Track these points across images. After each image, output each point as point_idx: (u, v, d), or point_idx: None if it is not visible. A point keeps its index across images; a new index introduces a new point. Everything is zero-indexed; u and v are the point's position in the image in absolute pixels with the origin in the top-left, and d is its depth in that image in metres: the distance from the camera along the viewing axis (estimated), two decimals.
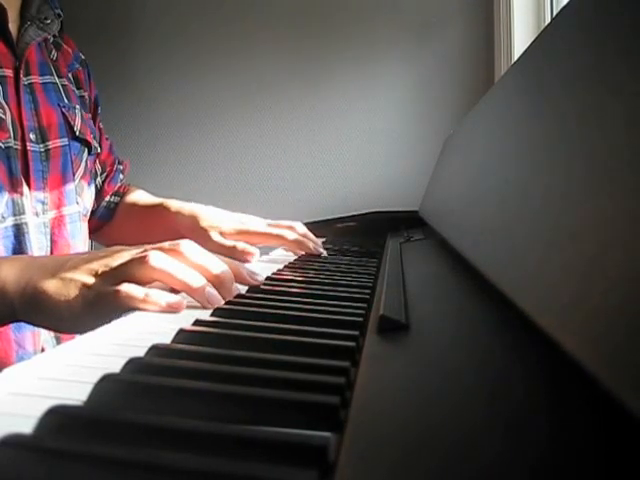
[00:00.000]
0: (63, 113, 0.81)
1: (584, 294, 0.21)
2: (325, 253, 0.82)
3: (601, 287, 0.19)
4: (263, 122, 1.39)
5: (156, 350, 0.32)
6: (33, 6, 0.79)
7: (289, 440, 0.21)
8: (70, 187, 0.81)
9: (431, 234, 0.83)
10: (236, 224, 0.82)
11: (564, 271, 0.23)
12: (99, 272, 0.48)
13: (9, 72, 0.73)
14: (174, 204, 0.88)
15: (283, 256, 0.84)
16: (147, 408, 0.24)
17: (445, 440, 0.20)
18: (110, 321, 0.41)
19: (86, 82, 0.92)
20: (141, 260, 0.47)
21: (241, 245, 0.76)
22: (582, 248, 0.22)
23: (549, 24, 0.40)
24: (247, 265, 0.60)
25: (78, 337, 0.37)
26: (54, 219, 0.78)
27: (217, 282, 0.49)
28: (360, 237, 1.11)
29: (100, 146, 0.92)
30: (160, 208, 0.89)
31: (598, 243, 0.21)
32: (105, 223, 0.95)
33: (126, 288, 0.45)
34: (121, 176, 0.97)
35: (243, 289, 0.53)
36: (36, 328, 0.73)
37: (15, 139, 0.72)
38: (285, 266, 0.70)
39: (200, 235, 0.78)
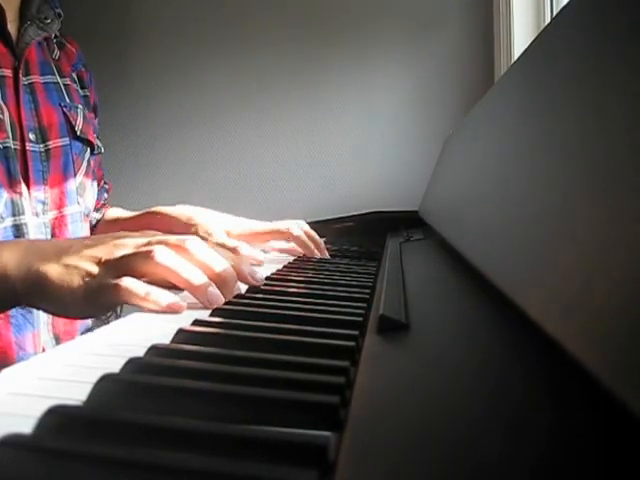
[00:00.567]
0: (64, 113, 0.81)
1: (584, 294, 0.21)
2: (327, 255, 0.82)
3: (601, 287, 0.19)
4: (262, 123, 1.39)
5: (156, 350, 0.32)
6: (33, 6, 0.79)
7: (289, 440, 0.21)
8: (71, 187, 0.81)
9: (431, 234, 0.83)
10: (242, 225, 0.82)
11: (564, 271, 0.23)
12: (102, 260, 0.47)
13: (8, 72, 0.73)
14: (168, 208, 0.85)
15: (283, 256, 0.84)
16: (147, 408, 0.24)
17: (445, 440, 0.20)
18: (109, 311, 0.41)
19: (89, 85, 0.92)
20: (146, 254, 0.47)
21: (246, 250, 0.75)
22: (582, 248, 0.22)
23: (549, 24, 0.40)
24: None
25: (78, 337, 0.37)
26: (55, 219, 0.78)
27: (220, 281, 0.49)
28: (360, 237, 1.11)
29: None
30: (150, 215, 0.87)
31: (598, 243, 0.21)
32: None
33: (127, 283, 0.44)
34: (106, 195, 0.97)
35: (243, 289, 0.53)
36: (36, 329, 0.73)
37: (14, 139, 0.71)
38: (285, 266, 0.70)
39: (203, 233, 0.78)
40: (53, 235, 0.77)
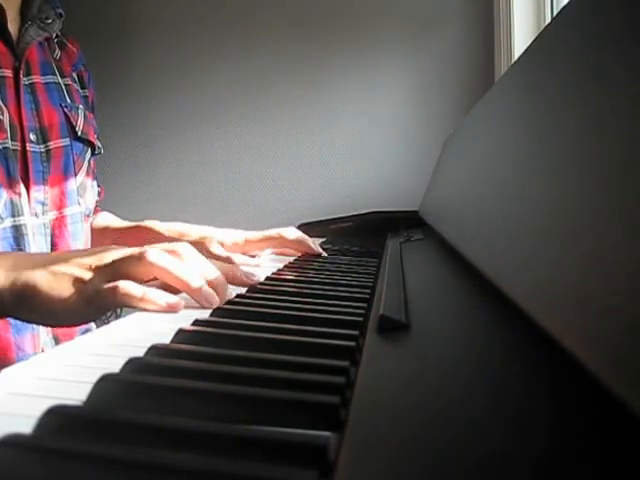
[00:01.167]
0: (65, 113, 0.81)
1: (584, 293, 0.21)
2: (324, 253, 0.82)
3: (601, 286, 0.19)
4: (262, 123, 1.39)
5: (155, 350, 0.32)
6: (34, 6, 0.78)
7: (289, 440, 0.20)
8: (72, 187, 0.80)
9: (431, 234, 0.83)
10: (235, 236, 0.82)
11: (564, 270, 0.23)
12: (93, 266, 0.47)
13: (8, 72, 0.73)
14: (161, 224, 0.85)
15: (282, 256, 0.84)
16: (147, 408, 0.24)
17: (445, 439, 0.20)
18: (104, 315, 0.41)
19: (88, 86, 0.92)
20: (139, 256, 0.46)
21: (239, 258, 0.76)
22: (582, 247, 0.22)
23: (549, 24, 0.40)
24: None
25: (77, 337, 0.37)
26: (55, 220, 0.78)
27: (211, 287, 0.48)
28: (360, 237, 1.11)
29: None
30: (140, 228, 0.86)
31: (598, 242, 0.21)
32: None
33: (124, 285, 0.44)
34: (97, 198, 0.97)
35: (243, 290, 0.53)
36: (36, 330, 0.73)
37: (14, 140, 0.71)
38: (285, 266, 0.70)
39: (197, 244, 0.78)
40: (53, 235, 0.77)
